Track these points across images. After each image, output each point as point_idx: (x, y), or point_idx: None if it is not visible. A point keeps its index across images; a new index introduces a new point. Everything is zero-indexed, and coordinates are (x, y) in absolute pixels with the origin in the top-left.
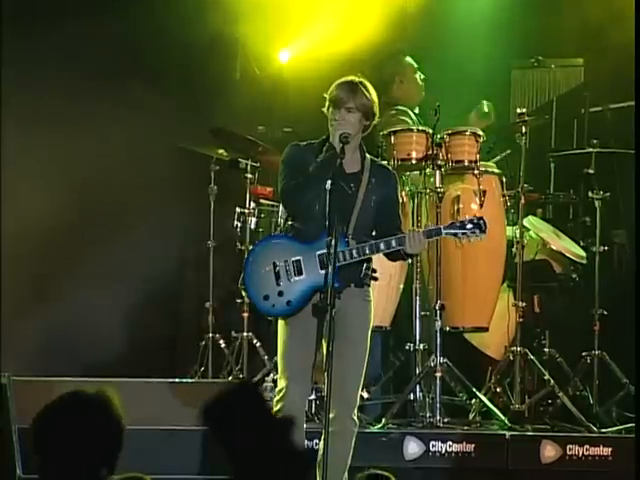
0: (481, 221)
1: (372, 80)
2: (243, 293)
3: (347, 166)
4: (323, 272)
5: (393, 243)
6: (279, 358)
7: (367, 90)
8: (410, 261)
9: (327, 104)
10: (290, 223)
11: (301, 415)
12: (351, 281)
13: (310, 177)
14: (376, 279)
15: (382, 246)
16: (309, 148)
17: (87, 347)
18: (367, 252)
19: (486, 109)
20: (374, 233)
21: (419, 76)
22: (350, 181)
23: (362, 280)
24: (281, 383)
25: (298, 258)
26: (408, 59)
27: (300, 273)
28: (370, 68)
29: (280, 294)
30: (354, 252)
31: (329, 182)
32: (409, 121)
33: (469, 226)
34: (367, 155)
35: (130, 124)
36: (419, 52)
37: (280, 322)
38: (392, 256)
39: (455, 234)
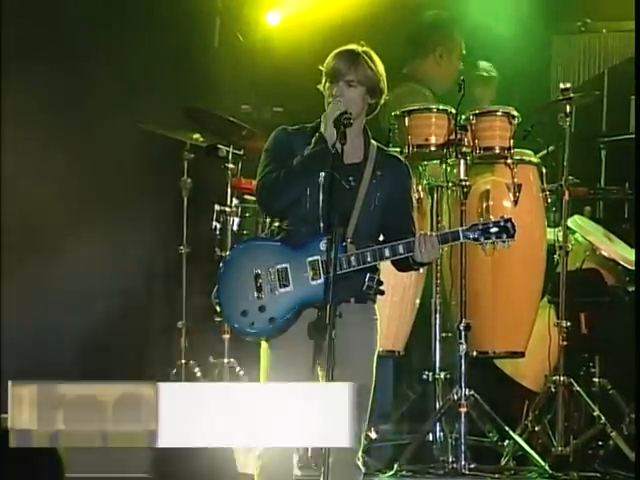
0: (508, 223)
1: (387, 47)
2: (217, 308)
3: (346, 155)
4: (315, 283)
5: (400, 249)
6: None
7: (372, 61)
8: (422, 270)
9: (323, 79)
10: (277, 224)
11: (288, 460)
12: (350, 295)
13: (294, 173)
14: (382, 293)
15: (387, 252)
16: (300, 134)
17: (31, 375)
18: (369, 259)
19: (484, 71)
20: (381, 238)
21: (461, 60)
22: (349, 174)
23: (365, 294)
24: None
25: (284, 266)
26: (459, 35)
27: (286, 284)
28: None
29: (261, 309)
30: (352, 259)
31: (322, 174)
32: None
33: (494, 230)
34: (373, 142)
35: (83, 104)
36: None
37: (263, 345)
38: (401, 265)
39: (476, 239)
